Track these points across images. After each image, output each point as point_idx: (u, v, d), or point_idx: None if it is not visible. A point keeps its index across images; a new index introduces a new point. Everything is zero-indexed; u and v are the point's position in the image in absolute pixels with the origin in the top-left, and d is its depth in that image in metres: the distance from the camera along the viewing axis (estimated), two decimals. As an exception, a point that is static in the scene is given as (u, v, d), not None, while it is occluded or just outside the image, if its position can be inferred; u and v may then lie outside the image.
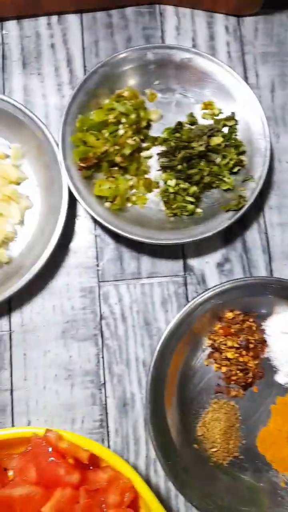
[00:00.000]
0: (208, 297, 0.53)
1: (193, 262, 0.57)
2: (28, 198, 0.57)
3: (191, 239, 0.54)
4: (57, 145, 0.54)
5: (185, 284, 0.56)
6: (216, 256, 0.58)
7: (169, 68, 0.59)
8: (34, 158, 0.57)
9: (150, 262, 0.57)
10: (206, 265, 0.57)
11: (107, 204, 0.55)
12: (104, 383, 0.53)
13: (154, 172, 0.58)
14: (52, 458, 0.42)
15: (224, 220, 0.55)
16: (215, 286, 0.53)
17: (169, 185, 0.56)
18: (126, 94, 0.57)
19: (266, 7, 0.64)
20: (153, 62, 0.58)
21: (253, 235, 0.59)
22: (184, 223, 0.56)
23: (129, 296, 0.55)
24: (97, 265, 0.56)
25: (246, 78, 0.62)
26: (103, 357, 0.54)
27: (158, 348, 0.51)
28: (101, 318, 0.55)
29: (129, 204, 0.57)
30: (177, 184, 0.56)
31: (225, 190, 0.57)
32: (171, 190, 0.56)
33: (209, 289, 0.53)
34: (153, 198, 0.57)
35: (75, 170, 0.54)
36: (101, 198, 0.55)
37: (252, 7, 0.63)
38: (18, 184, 0.58)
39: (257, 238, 0.58)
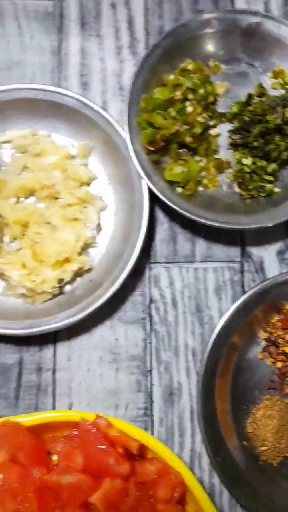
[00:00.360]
0: (268, 287, 0.49)
1: (251, 248, 0.53)
2: (102, 199, 0.53)
3: (272, 223, 0.50)
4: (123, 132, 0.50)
5: (242, 272, 0.53)
6: (277, 244, 0.53)
7: (235, 35, 0.54)
8: (101, 153, 0.53)
9: (205, 245, 0.53)
10: (265, 252, 0.53)
11: (180, 189, 0.52)
12: (151, 370, 0.51)
13: (224, 151, 0.54)
14: (102, 446, 0.39)
15: None
16: (276, 275, 0.49)
17: (244, 164, 0.52)
18: (190, 67, 0.53)
19: None
20: (217, 30, 0.54)
21: None
22: (261, 205, 0.52)
23: (181, 280, 0.52)
24: (150, 245, 0.52)
25: None
26: (150, 343, 0.51)
27: (212, 338, 0.48)
28: (151, 301, 0.52)
29: (200, 188, 0.53)
30: (254, 163, 0.52)
31: None
32: (247, 169, 0.52)
33: (269, 278, 0.49)
34: (225, 179, 0.53)
35: (144, 155, 0.50)
36: (172, 183, 0.51)
37: None
38: (89, 184, 0.53)
39: None
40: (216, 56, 0.55)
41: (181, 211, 0.49)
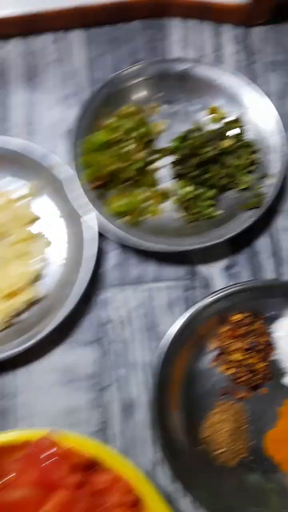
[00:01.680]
0: (215, 299, 0.54)
1: (200, 266, 0.58)
2: (44, 236, 0.58)
3: (215, 241, 0.55)
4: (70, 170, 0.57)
5: (192, 288, 0.57)
6: (223, 260, 0.57)
7: (172, 80, 0.62)
8: (52, 191, 0.59)
9: (155, 266, 0.58)
10: (212, 269, 0.57)
11: (125, 219, 0.57)
12: (108, 385, 0.53)
13: (168, 182, 0.61)
14: (54, 459, 0.41)
15: (245, 219, 0.57)
16: (222, 288, 0.53)
17: (186, 192, 0.58)
18: (130, 110, 0.61)
19: (275, 17, 0.64)
20: (154, 76, 0.62)
21: (261, 238, 0.59)
22: (205, 226, 0.58)
23: (134, 300, 0.57)
24: (102, 270, 0.57)
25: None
26: (107, 361, 0.54)
27: (162, 349, 0.51)
28: (106, 321, 0.55)
29: (145, 217, 0.59)
30: (194, 190, 0.58)
31: (243, 190, 0.59)
32: (189, 196, 0.58)
33: (215, 291, 0.52)
34: (170, 206, 0.60)
35: (90, 190, 0.57)
36: (116, 214, 0.57)
37: (261, 18, 0.64)
38: (34, 222, 0.59)
39: (266, 242, 0.59)
40: (156, 98, 0.61)
41: (123, 242, 0.54)
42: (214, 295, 0.54)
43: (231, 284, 0.55)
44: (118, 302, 0.57)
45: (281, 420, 0.53)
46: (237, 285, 0.54)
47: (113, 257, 0.58)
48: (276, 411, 0.53)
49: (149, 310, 0.57)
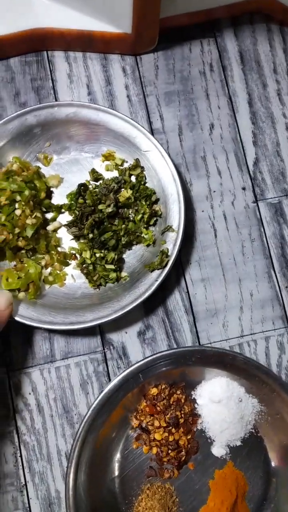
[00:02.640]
0: (129, 375, 0.49)
1: (111, 335, 0.52)
2: None
3: (119, 314, 0.50)
4: None
5: (105, 361, 0.51)
6: (136, 325, 0.52)
7: (57, 127, 0.55)
8: None
9: (63, 341, 0.52)
10: (125, 336, 0.52)
11: (21, 295, 0.51)
12: (26, 484, 0.48)
13: (69, 242, 0.54)
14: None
15: (151, 282, 0.51)
16: (135, 362, 0.48)
17: (85, 257, 0.52)
18: (15, 167, 0.53)
19: (164, 41, 0.58)
20: (36, 125, 0.54)
21: (173, 295, 0.53)
22: (112, 290, 0.53)
23: (44, 383, 0.50)
24: (5, 353, 0.50)
25: (150, 123, 0.57)
26: (21, 456, 0.48)
27: (78, 436, 0.46)
28: (15, 412, 0.49)
29: (47, 286, 0.52)
30: (92, 255, 0.52)
31: (147, 246, 0.53)
32: (88, 261, 0.52)
33: (128, 367, 0.47)
34: (73, 271, 0.53)
35: None
36: (12, 290, 0.50)
37: (149, 44, 0.58)
38: None
39: (178, 298, 0.53)
40: (44, 149, 0.53)
41: (22, 321, 0.47)
42: (126, 371, 0.48)
43: (148, 356, 0.50)
44: (26, 388, 0.51)
45: (211, 495, 0.49)
46: (149, 357, 0.49)
47: (15, 336, 0.52)
48: (207, 485, 0.50)
49: (61, 393, 0.51)
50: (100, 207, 0.51)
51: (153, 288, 0.50)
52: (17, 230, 0.50)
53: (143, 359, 0.49)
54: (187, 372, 0.50)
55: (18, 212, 0.50)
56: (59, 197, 0.54)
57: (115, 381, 0.48)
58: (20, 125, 0.52)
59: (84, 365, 0.52)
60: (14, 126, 0.52)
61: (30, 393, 0.50)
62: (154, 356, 0.49)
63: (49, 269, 0.52)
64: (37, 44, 0.57)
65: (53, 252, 0.53)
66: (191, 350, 0.50)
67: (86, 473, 0.46)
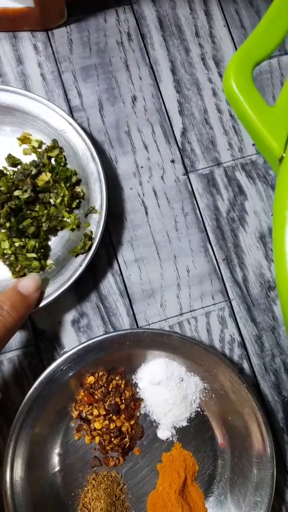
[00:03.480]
0: (60, 365, 0.46)
1: (43, 325, 0.49)
2: None
3: (45, 302, 0.47)
4: None
5: (39, 353, 0.48)
6: (69, 313, 0.49)
7: None
8: None
9: (-6, 338, 0.48)
10: (59, 326, 0.49)
11: None
12: None
13: None
14: None
15: (76, 267, 0.48)
16: (66, 351, 0.45)
17: (4, 248, 0.49)
18: None
19: (76, 13, 0.54)
20: None
21: (106, 279, 0.51)
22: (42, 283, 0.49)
23: None
24: None
25: (68, 101, 0.53)
26: None
27: (10, 436, 0.45)
28: None
29: None
30: (12, 244, 0.48)
31: (72, 230, 0.50)
32: (8, 252, 0.49)
33: (59, 358, 0.45)
34: None
35: None
36: None
37: (58, 17, 0.54)
38: None
39: (112, 281, 0.51)
40: None
41: None
42: (57, 362, 0.46)
43: (79, 344, 0.48)
44: None
45: (160, 478, 0.48)
46: (80, 346, 0.46)
47: None
48: (155, 469, 0.48)
49: None
50: (16, 193, 0.48)
51: (77, 273, 0.47)
52: None
53: (73, 348, 0.46)
54: (125, 356, 0.48)
55: None
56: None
57: (44, 373, 0.45)
58: None
59: (17, 361, 0.49)
60: None
61: None
62: (84, 344, 0.46)
63: None
64: None
65: None
66: (123, 334, 0.47)
67: (24, 471, 0.44)
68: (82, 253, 0.48)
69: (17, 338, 0.49)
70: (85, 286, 0.51)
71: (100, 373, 0.48)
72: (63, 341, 0.50)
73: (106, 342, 0.47)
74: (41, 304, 0.46)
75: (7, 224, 0.48)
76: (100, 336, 0.47)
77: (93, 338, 0.47)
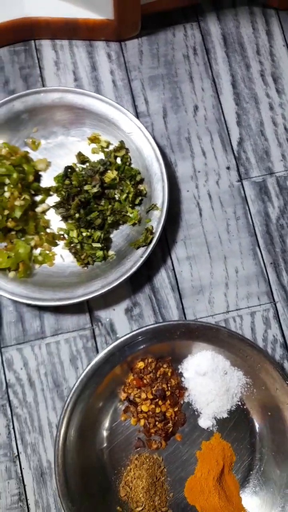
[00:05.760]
0: (115, 349, 0.48)
1: (99, 312, 0.52)
2: None
3: (106, 289, 0.49)
4: None
5: (94, 337, 0.50)
6: (124, 302, 0.51)
7: (44, 112, 0.54)
8: None
9: (53, 319, 0.51)
10: (113, 313, 0.51)
11: (12, 274, 0.50)
12: (18, 455, 0.48)
13: (57, 223, 0.53)
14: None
15: (137, 259, 0.50)
16: (121, 337, 0.48)
17: (72, 237, 0.51)
18: (3, 152, 0.52)
19: (148, 27, 0.57)
20: (24, 111, 0.53)
21: (159, 273, 0.52)
22: (100, 268, 0.52)
23: (35, 359, 0.50)
24: (-3, 331, 0.50)
25: (135, 107, 0.56)
26: (13, 428, 0.48)
27: (66, 405, 0.46)
28: (7, 386, 0.49)
29: (36, 266, 0.51)
30: (79, 234, 0.51)
31: (133, 225, 0.52)
32: (75, 240, 0.51)
33: (114, 341, 0.47)
34: (62, 251, 0.52)
35: None
36: (3, 269, 0.50)
37: (132, 30, 0.57)
38: None
39: (164, 276, 0.52)
40: (32, 134, 0.53)
41: (13, 297, 0.47)
42: (113, 345, 0.47)
43: (133, 330, 0.49)
44: (18, 364, 0.50)
45: (199, 465, 0.48)
46: (135, 331, 0.48)
47: (6, 315, 0.51)
48: (194, 456, 0.49)
49: (51, 368, 0.50)
50: (86, 187, 0.50)
51: (139, 264, 0.49)
52: (6, 212, 0.49)
53: (128, 333, 0.48)
54: (174, 346, 0.49)
55: (7, 194, 0.50)
56: (48, 181, 0.53)
57: (101, 354, 0.47)
58: (8, 112, 0.52)
59: (73, 341, 0.51)
60: (2, 112, 0.52)
61: (21, 368, 0.50)
62: (139, 331, 0.48)
63: (38, 250, 0.52)
64: (24, 33, 0.56)
65: (42, 233, 0.52)
66: (175, 324, 0.48)
67: (75, 443, 0.46)
68: (143, 246, 0.50)
69: (74, 321, 0.51)
70: (140, 278, 0.53)
71: (149, 360, 0.49)
72: (116, 327, 0.52)
73: (158, 330, 0.48)
74: (103, 291, 0.48)
75: (77, 215, 0.50)
76: (152, 324, 0.49)
77: (145, 326, 0.48)
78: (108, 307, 0.52)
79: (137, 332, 0.48)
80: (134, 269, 0.49)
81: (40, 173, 0.53)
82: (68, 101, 0.52)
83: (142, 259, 0.49)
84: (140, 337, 0.48)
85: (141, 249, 0.50)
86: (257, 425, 0.49)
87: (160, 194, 0.51)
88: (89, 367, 0.47)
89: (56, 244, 0.52)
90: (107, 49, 0.57)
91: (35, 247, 0.52)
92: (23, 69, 0.56)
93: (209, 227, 0.54)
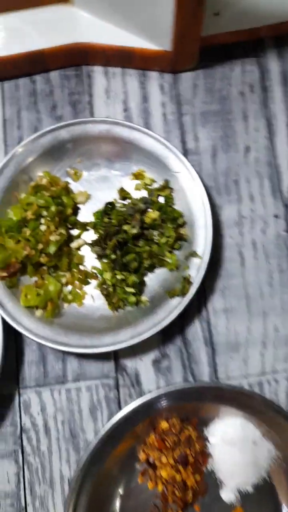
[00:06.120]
0: (138, 407, 0.44)
1: (125, 360, 0.48)
2: None
3: (135, 341, 0.45)
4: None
5: (117, 387, 0.47)
6: (152, 352, 0.48)
7: (89, 143, 0.51)
8: None
9: (76, 363, 0.48)
10: (140, 363, 0.48)
11: (39, 313, 0.47)
12: (26, 507, 0.44)
13: (91, 260, 0.50)
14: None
15: (171, 309, 0.46)
16: (152, 392, 0.44)
17: (106, 278, 0.48)
18: (44, 182, 0.49)
19: (204, 59, 0.53)
20: (69, 140, 0.50)
21: (193, 324, 0.49)
22: (131, 314, 0.48)
23: (53, 404, 0.46)
24: (17, 369, 0.46)
25: (184, 143, 0.52)
26: (24, 477, 0.45)
27: (82, 464, 0.43)
28: (22, 430, 0.46)
29: (65, 305, 0.48)
30: (113, 276, 0.48)
31: (170, 270, 0.49)
32: (109, 283, 0.48)
33: (138, 399, 0.43)
34: (93, 290, 0.49)
35: None
36: (30, 307, 0.47)
37: (189, 62, 0.53)
38: None
39: (198, 327, 0.48)
40: (75, 165, 0.50)
41: (37, 339, 0.44)
42: (139, 401, 0.44)
43: (160, 388, 0.46)
44: (35, 407, 0.47)
45: None
46: (163, 389, 0.44)
47: (29, 354, 0.48)
48: (213, 530, 0.45)
49: (70, 416, 0.47)
50: (125, 227, 0.47)
51: (172, 316, 0.45)
52: (40, 246, 0.46)
53: (154, 392, 0.44)
54: (201, 407, 0.45)
55: (43, 227, 0.47)
56: (86, 214, 0.50)
57: (123, 412, 0.43)
58: (53, 140, 0.49)
59: (95, 390, 0.47)
60: (47, 140, 0.49)
61: (38, 413, 0.47)
62: (166, 390, 0.44)
63: (69, 287, 0.49)
64: (77, 58, 0.53)
65: (74, 270, 0.49)
66: (206, 386, 0.45)
67: (86, 505, 0.42)
68: (179, 296, 0.46)
69: (98, 368, 0.48)
70: (172, 328, 0.49)
71: (174, 421, 0.45)
72: (141, 379, 0.48)
73: (186, 391, 0.45)
74: (132, 342, 0.45)
75: (113, 256, 0.47)
76: (181, 384, 0.45)
77: (174, 385, 0.44)
78: (135, 355, 0.48)
79: (164, 392, 0.44)
80: (167, 321, 0.45)
81: (78, 205, 0.51)
82: (116, 134, 0.49)
83: (177, 310, 0.45)
84: (165, 396, 0.44)
85: (177, 299, 0.46)
86: (284, 504, 0.45)
87: (202, 241, 0.47)
88: (108, 425, 0.43)
89: (88, 283, 0.49)
90: (160, 80, 0.54)
91: (66, 284, 0.48)
92: (73, 95, 0.54)
93: (251, 278, 0.50)
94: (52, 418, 0.47)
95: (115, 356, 0.48)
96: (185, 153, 0.53)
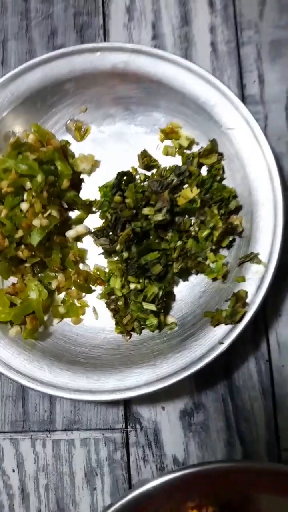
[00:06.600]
0: (161, 485, 0.28)
1: (140, 407, 0.33)
2: None
3: (153, 388, 0.30)
4: None
5: (127, 445, 0.32)
6: (179, 400, 0.32)
7: (98, 83, 0.35)
8: None
9: (69, 405, 0.33)
10: (162, 413, 0.32)
11: (14, 331, 0.32)
12: None
13: (96, 258, 0.34)
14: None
15: (213, 343, 0.30)
16: (171, 470, 0.29)
17: (113, 287, 0.32)
18: (30, 139, 0.34)
19: None
20: (69, 78, 0.34)
21: (245, 363, 0.32)
22: (152, 343, 0.32)
23: (34, 460, 0.33)
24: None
25: (242, 86, 0.36)
26: None
27: None
28: (-9, 495, 0.32)
29: (55, 321, 0.33)
30: (125, 284, 0.32)
31: (213, 280, 0.33)
32: (118, 293, 0.32)
33: (163, 473, 0.30)
34: (97, 302, 0.34)
35: None
36: (1, 323, 0.32)
37: None
38: None
39: (253, 369, 0.32)
40: (78, 116, 0.34)
41: (6, 373, 0.29)
42: (162, 479, 0.28)
43: (191, 465, 0.30)
44: (9, 462, 0.32)
45: None
46: (199, 467, 0.28)
47: (4, 385, 0.33)
48: None
49: (56, 480, 0.32)
50: (146, 211, 0.31)
51: (214, 353, 0.29)
52: (19, 233, 0.31)
53: (174, 472, 0.28)
54: (254, 499, 0.29)
55: (24, 206, 0.32)
56: (92, 189, 0.34)
57: (136, 492, 0.28)
58: (45, 77, 0.33)
59: (94, 446, 0.33)
60: (35, 78, 0.33)
61: (14, 470, 0.33)
62: (202, 468, 0.28)
63: (61, 295, 0.33)
64: None
65: (70, 270, 0.33)
66: (267, 468, 0.28)
67: None
68: (227, 324, 0.29)
69: (100, 415, 0.32)
70: (212, 367, 0.33)
71: (210, 510, 0.30)
72: (163, 437, 0.32)
73: (230, 471, 0.29)
74: (148, 390, 0.29)
75: (125, 254, 0.31)
76: (223, 462, 0.29)
77: (212, 462, 0.28)
78: (155, 403, 0.33)
79: (196, 470, 0.28)
80: (205, 361, 0.29)
81: (81, 176, 0.35)
82: (138, 68, 0.32)
83: (223, 347, 0.29)
84: (197, 477, 0.28)
85: (223, 328, 0.29)
86: None
87: (268, 238, 0.30)
88: (120, 503, 0.28)
89: (90, 290, 0.33)
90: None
91: (58, 291, 0.33)
92: (80, 16, 0.38)
93: None
94: (32, 480, 0.32)
95: (125, 401, 0.33)
96: (244, 100, 0.35)
